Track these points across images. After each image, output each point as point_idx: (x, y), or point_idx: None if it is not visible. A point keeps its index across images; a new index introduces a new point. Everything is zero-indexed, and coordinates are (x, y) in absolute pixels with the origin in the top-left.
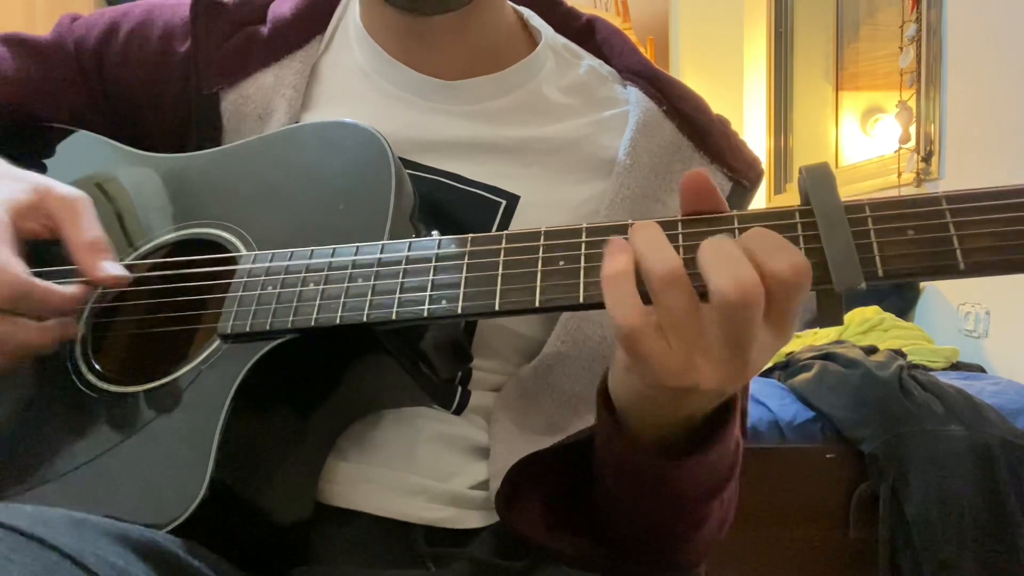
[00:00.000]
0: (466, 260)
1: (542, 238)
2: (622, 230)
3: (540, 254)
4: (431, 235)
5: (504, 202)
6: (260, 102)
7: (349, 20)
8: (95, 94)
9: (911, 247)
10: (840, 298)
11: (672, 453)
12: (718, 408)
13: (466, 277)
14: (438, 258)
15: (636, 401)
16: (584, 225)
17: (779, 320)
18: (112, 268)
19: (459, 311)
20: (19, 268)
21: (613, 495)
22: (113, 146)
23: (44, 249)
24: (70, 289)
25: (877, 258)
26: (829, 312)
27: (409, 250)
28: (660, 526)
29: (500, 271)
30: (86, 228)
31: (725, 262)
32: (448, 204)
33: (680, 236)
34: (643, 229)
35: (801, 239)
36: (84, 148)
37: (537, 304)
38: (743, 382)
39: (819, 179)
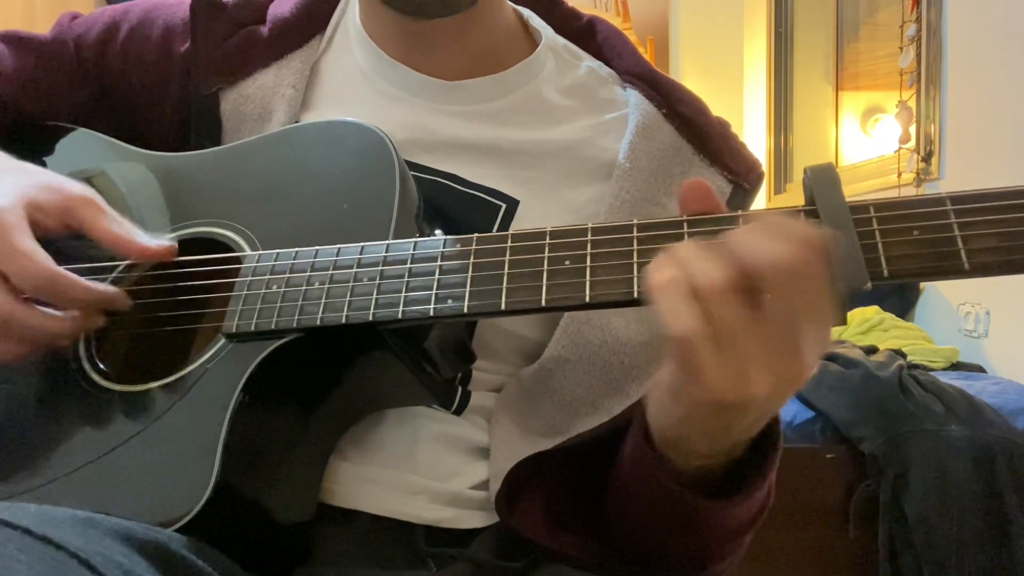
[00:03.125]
0: (472, 260)
1: (547, 238)
2: (627, 230)
3: (546, 254)
4: (435, 235)
5: (504, 206)
6: (260, 102)
7: (349, 21)
8: (95, 93)
9: (916, 248)
10: (844, 298)
11: (712, 491)
12: (758, 441)
13: (472, 276)
14: (443, 257)
15: (681, 428)
16: (590, 225)
17: (814, 308)
18: (158, 240)
19: (465, 310)
20: (45, 258)
21: (641, 524)
22: (113, 144)
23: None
24: (95, 284)
25: (882, 258)
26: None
27: (414, 250)
28: (689, 556)
29: (506, 271)
30: (111, 222)
31: (768, 239)
32: (448, 206)
33: (685, 235)
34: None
35: None
36: (84, 146)
37: (543, 304)
38: (795, 388)
39: (824, 179)
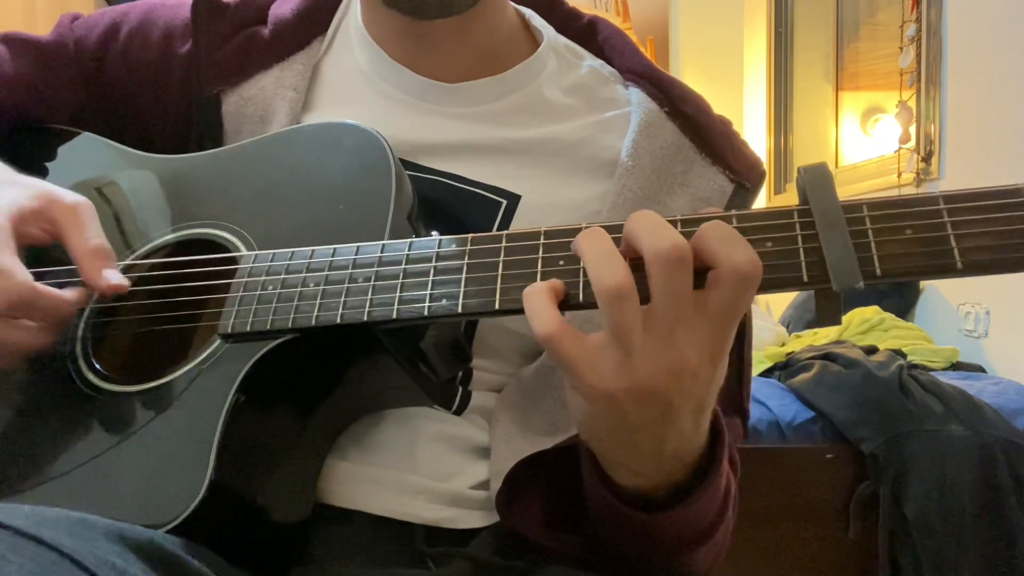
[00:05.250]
0: (466, 260)
1: (542, 238)
2: (621, 230)
3: (540, 254)
4: (431, 235)
5: (505, 202)
6: (261, 103)
7: (350, 22)
8: (95, 95)
9: (909, 247)
10: (839, 298)
11: (655, 506)
12: (702, 459)
13: (466, 277)
14: (438, 257)
15: (588, 428)
16: (584, 225)
17: (723, 314)
18: (114, 277)
19: (459, 310)
20: (22, 274)
21: (603, 538)
22: (114, 147)
23: (41, 250)
24: (69, 294)
25: (875, 258)
26: (828, 312)
27: (409, 250)
28: (651, 565)
29: (500, 271)
30: (89, 235)
31: (648, 229)
32: (449, 204)
33: None
34: (590, 237)
35: (799, 239)
36: (85, 149)
37: None
38: (684, 383)
39: (817, 179)
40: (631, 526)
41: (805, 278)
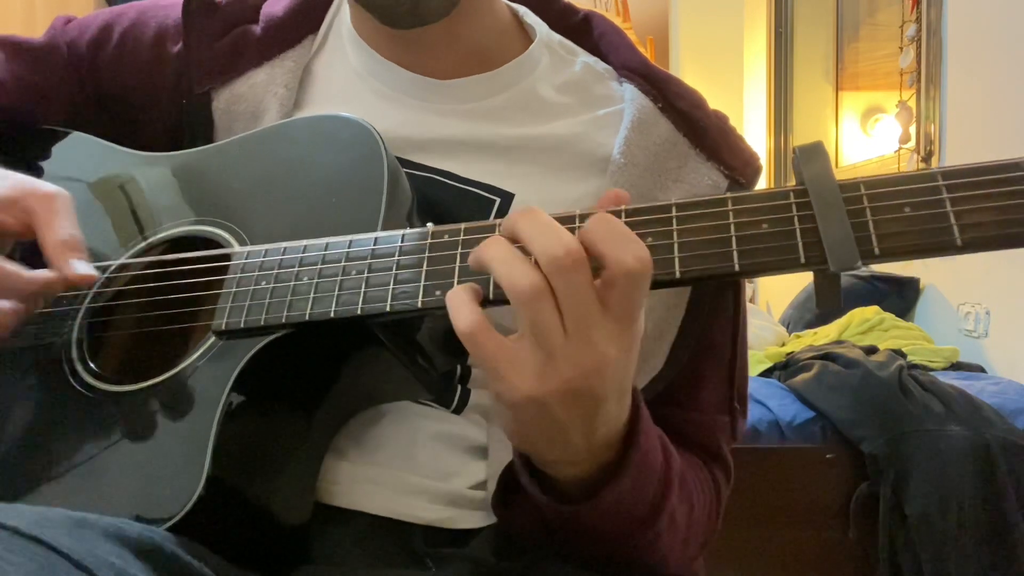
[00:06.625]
0: (459, 250)
1: None
2: (617, 216)
3: None
4: (425, 226)
5: (499, 200)
6: (252, 101)
7: (342, 21)
8: (88, 96)
9: (908, 224)
10: (837, 279)
11: (590, 489)
12: (624, 439)
13: (459, 267)
14: (431, 248)
15: (516, 430)
16: (577, 212)
17: (625, 309)
18: (81, 267)
19: None
20: None
21: (560, 545)
22: (107, 146)
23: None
24: (29, 273)
25: (873, 237)
26: (826, 294)
27: (402, 241)
28: (620, 558)
29: None
30: (60, 226)
31: (537, 234)
32: (442, 202)
33: (674, 220)
34: (491, 244)
35: (796, 219)
36: (78, 149)
37: None
38: (607, 376)
39: (813, 158)
40: (579, 521)
41: (802, 259)
